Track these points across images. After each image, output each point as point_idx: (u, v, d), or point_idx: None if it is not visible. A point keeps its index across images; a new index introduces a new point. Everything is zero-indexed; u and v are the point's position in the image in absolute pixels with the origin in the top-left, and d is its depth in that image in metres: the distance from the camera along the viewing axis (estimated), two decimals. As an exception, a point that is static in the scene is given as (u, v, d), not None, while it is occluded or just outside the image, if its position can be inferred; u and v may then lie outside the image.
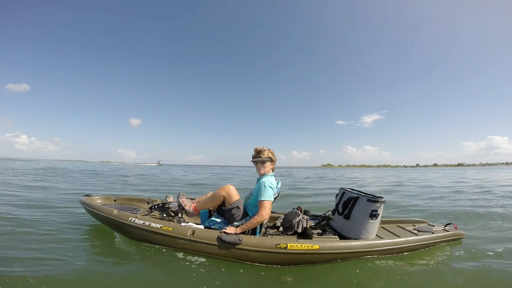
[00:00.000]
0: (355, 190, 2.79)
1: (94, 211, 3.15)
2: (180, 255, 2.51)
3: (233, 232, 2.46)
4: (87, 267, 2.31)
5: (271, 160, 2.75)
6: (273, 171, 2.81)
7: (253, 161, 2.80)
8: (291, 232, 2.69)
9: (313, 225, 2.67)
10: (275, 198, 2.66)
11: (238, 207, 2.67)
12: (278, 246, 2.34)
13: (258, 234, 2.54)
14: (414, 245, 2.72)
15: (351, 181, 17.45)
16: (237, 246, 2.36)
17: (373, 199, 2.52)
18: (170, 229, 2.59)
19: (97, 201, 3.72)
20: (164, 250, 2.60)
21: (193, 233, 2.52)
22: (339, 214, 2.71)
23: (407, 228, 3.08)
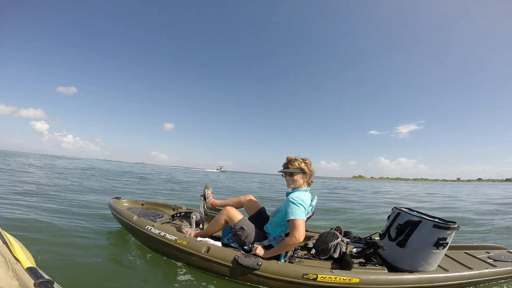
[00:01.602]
0: (414, 211, 2.02)
1: (117, 215, 2.88)
2: (195, 273, 2.04)
3: (261, 254, 1.92)
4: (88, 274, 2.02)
5: (303, 172, 2.07)
6: (308, 185, 2.13)
7: (281, 172, 2.16)
8: (325, 257, 2.03)
9: (355, 253, 1.95)
10: (308, 218, 2.02)
11: (242, 228, 2.12)
12: (305, 276, 1.71)
13: (282, 259, 1.93)
14: (492, 279, 1.91)
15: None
16: (255, 272, 1.80)
17: (442, 224, 1.74)
18: (185, 243, 2.13)
19: (124, 204, 3.46)
20: (179, 265, 2.16)
21: (208, 250, 2.02)
22: (391, 239, 1.96)
23: (479, 256, 2.21)
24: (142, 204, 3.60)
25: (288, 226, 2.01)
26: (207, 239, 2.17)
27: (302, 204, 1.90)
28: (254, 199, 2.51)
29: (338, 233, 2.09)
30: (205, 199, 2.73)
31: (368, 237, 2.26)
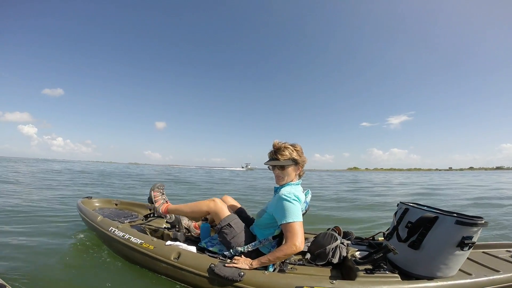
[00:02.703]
0: (424, 206, 1.62)
1: (82, 215, 2.47)
2: (164, 282, 1.64)
3: (246, 267, 1.46)
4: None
5: (296, 163, 1.62)
6: (300, 177, 1.70)
7: (267, 165, 1.68)
8: (323, 263, 1.64)
9: (361, 258, 1.56)
10: (302, 215, 1.58)
11: (229, 225, 1.67)
12: None
13: (271, 267, 1.53)
14: None
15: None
16: (236, 284, 1.40)
17: (467, 220, 1.35)
18: (152, 247, 1.74)
19: (95, 204, 3.03)
20: (146, 273, 1.75)
21: (178, 256, 1.61)
22: (401, 240, 1.56)
23: (500, 256, 1.82)
24: (116, 204, 3.18)
25: (277, 227, 1.60)
26: (178, 243, 1.75)
27: (297, 201, 1.48)
28: (231, 200, 2.03)
29: (336, 234, 1.69)
30: (151, 202, 2.07)
31: (371, 238, 1.88)
